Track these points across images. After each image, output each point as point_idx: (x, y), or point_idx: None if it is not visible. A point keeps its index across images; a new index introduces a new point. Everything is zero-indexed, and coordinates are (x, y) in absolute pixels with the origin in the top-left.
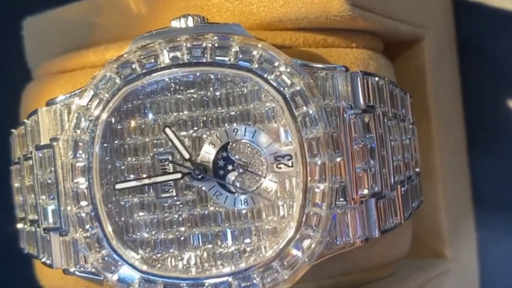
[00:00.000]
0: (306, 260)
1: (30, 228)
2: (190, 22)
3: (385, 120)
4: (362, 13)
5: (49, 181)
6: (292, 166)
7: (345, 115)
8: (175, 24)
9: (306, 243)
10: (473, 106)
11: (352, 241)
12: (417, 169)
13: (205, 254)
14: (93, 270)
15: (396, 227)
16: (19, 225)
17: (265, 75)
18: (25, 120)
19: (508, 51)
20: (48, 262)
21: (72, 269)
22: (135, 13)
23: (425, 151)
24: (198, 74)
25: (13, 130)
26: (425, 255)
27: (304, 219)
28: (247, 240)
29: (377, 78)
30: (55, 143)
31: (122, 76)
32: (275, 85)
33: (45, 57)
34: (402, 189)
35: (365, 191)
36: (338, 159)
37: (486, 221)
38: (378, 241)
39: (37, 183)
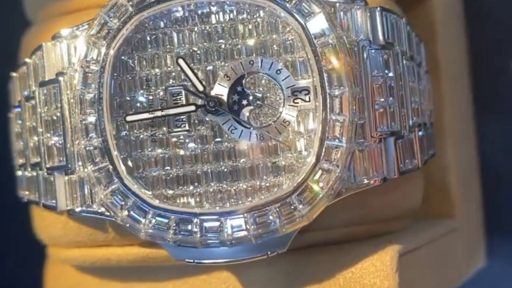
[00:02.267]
0: (325, 195)
1: (31, 173)
2: None
3: (403, 60)
4: None
5: (55, 118)
6: (309, 101)
7: (364, 50)
8: None
9: (325, 177)
10: (480, 68)
11: (370, 180)
12: (432, 119)
13: (219, 191)
14: (100, 209)
15: (414, 170)
16: (18, 173)
17: (284, 3)
18: (27, 59)
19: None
20: (51, 204)
21: (77, 209)
22: None
23: (435, 109)
24: (213, 3)
25: (13, 73)
26: (433, 214)
27: (323, 152)
28: (263, 176)
29: (395, 16)
30: (61, 78)
31: (134, 3)
32: (294, 13)
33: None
34: (419, 132)
35: (384, 129)
36: (358, 94)
37: (492, 184)
38: (393, 190)
39: (41, 122)
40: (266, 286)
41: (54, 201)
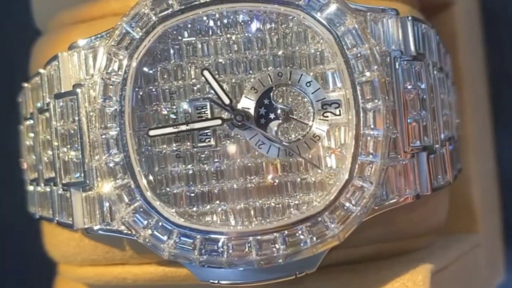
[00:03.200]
0: (359, 213)
1: (45, 189)
2: None
3: (434, 71)
4: None
5: (72, 131)
6: (339, 115)
7: (395, 61)
8: None
9: (358, 195)
10: (497, 77)
11: (402, 197)
12: (459, 133)
13: (245, 208)
14: (120, 228)
15: (446, 186)
16: (30, 188)
17: (314, 13)
18: (41, 70)
19: None
20: (67, 222)
21: (96, 227)
22: None
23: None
24: (239, 12)
25: (25, 84)
26: (456, 229)
27: (356, 168)
28: (292, 193)
29: (426, 25)
30: (78, 90)
31: (158, 12)
32: (325, 23)
33: (54, 13)
34: (450, 146)
35: (417, 143)
36: (391, 107)
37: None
38: (420, 206)
39: (56, 135)
40: None
41: (70, 219)
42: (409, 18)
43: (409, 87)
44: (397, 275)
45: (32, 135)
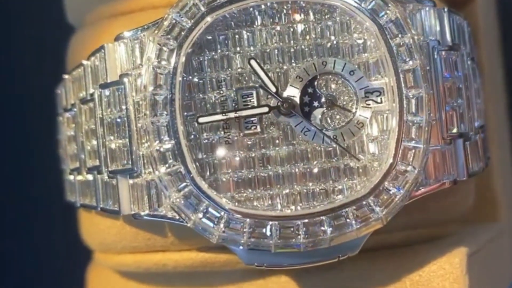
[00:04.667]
0: (402, 197)
1: (86, 177)
2: None
3: (468, 61)
4: None
5: (118, 120)
6: (381, 102)
7: (434, 51)
8: None
9: (402, 179)
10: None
11: (441, 182)
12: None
13: (292, 193)
14: (169, 213)
15: (480, 172)
16: (70, 177)
17: (360, 3)
18: (84, 62)
19: None
20: (113, 208)
21: (143, 213)
22: None
23: None
24: (285, 3)
25: (65, 76)
26: (479, 218)
27: (400, 154)
28: (336, 179)
29: (460, 17)
30: (125, 79)
31: (206, 3)
32: (368, 13)
33: (86, 9)
34: (482, 134)
35: (454, 130)
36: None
37: None
38: (449, 194)
39: (102, 124)
40: None
41: (117, 205)
42: (445, 10)
43: (447, 75)
44: (434, 258)
45: (73, 125)
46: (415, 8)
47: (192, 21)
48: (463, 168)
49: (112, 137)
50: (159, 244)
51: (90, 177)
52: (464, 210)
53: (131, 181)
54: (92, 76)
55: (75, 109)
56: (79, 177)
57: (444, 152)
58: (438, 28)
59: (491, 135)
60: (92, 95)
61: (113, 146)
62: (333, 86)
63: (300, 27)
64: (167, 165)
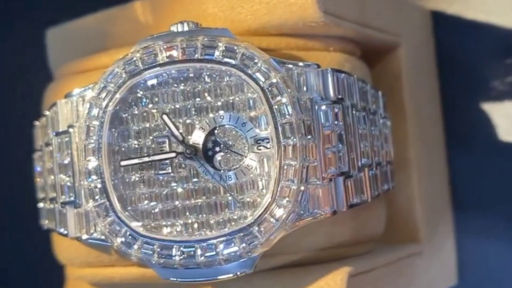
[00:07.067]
0: (280, 226)
1: (50, 206)
2: (186, 27)
3: (354, 111)
4: (334, 20)
5: (66, 162)
6: (269, 148)
7: (316, 106)
8: (173, 28)
9: (279, 211)
10: (451, 109)
11: (322, 213)
12: (388, 158)
13: (195, 222)
14: (102, 236)
15: (363, 203)
16: (40, 205)
17: (247, 70)
18: (46, 112)
19: (479, 59)
20: (64, 232)
21: (84, 237)
22: (142, 23)
23: (401, 143)
24: (190, 69)
25: (36, 122)
26: (399, 240)
27: (278, 191)
28: (232, 210)
29: (346, 75)
30: (71, 130)
31: (127, 71)
32: (254, 78)
33: (66, 62)
34: (370, 172)
35: (333, 170)
36: (310, 142)
37: (464, 216)
38: (352, 219)
39: (56, 164)
40: None
41: (66, 230)
42: (329, 70)
43: (327, 125)
44: (323, 276)
45: (41, 163)
46: (302, 71)
47: (116, 85)
48: (343, 201)
49: (62, 175)
50: (106, 260)
51: (51, 205)
52: (373, 231)
53: (75, 211)
54: (51, 125)
55: (41, 151)
56: (45, 205)
57: (324, 189)
58: (321, 86)
59: (411, 166)
60: (51, 140)
61: (63, 182)
62: (230, 135)
63: (203, 89)
64: (95, 200)
